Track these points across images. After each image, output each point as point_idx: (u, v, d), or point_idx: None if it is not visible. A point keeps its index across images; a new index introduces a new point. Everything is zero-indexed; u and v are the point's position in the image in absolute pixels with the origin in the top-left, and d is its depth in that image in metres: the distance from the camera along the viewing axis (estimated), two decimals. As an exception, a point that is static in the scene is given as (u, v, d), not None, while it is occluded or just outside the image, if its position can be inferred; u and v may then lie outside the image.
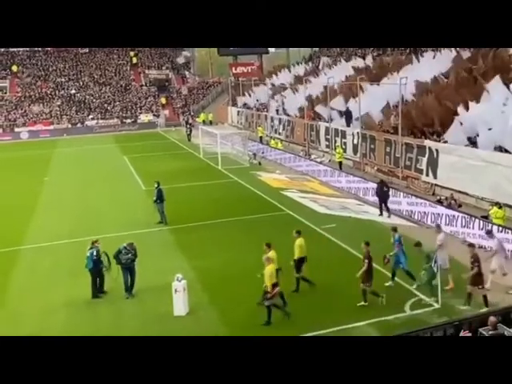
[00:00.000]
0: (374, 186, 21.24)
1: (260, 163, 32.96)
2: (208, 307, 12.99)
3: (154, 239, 18.38)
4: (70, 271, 15.41)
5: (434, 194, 21.48)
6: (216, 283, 14.01)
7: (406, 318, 12.01)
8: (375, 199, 20.98)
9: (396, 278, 13.68)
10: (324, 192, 24.77)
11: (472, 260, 12.17)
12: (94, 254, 13.82)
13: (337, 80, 33.34)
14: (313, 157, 32.34)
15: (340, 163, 28.17)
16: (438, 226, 14.75)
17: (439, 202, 19.28)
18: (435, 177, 21.63)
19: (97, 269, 13.86)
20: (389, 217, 19.62)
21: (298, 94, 38.76)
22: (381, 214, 19.94)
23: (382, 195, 20.13)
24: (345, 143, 29.33)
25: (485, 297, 12.20)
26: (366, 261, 12.54)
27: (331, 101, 31.45)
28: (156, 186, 20.54)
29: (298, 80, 41.72)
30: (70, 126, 58.57)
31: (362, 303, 12.57)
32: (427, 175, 22.14)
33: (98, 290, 13.93)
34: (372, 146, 26.70)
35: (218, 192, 25.57)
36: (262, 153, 35.61)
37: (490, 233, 14.45)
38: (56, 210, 23.36)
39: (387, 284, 13.60)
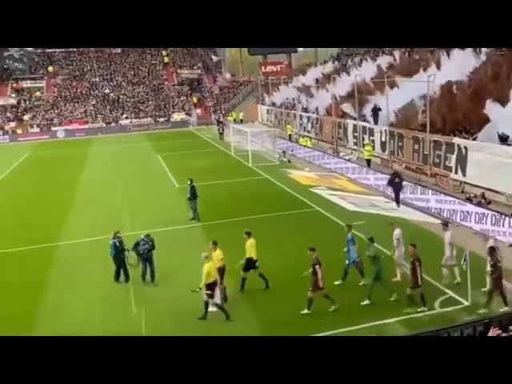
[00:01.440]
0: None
1: (289, 161, 33.28)
2: (240, 303, 13.32)
3: (187, 236, 18.94)
4: (106, 267, 15.84)
5: (463, 191, 21.43)
6: (247, 279, 14.32)
7: (436, 315, 12.08)
8: (403, 196, 21.36)
9: (425, 276, 13.18)
10: (352, 189, 24.98)
11: (412, 260, 12.36)
12: (117, 244, 14.84)
13: (365, 77, 33.39)
14: (341, 154, 32.50)
15: (368, 161, 28.31)
16: (391, 224, 14.93)
17: (468, 199, 19.31)
18: (464, 174, 21.57)
19: (119, 257, 14.87)
20: (398, 206, 20.79)
21: (325, 92, 38.85)
22: (397, 205, 21.03)
23: (395, 186, 21.12)
24: (373, 141, 29.41)
25: (422, 296, 12.32)
26: (317, 266, 12.24)
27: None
28: (189, 183, 21.02)
29: (326, 78, 41.77)
30: (104, 125, 59.91)
31: (306, 311, 12.34)
32: (456, 173, 22.08)
33: (119, 277, 15.02)
34: (400, 144, 26.70)
35: (248, 189, 26.06)
36: (292, 150, 35.93)
37: (445, 225, 14.36)
38: (91, 207, 24.19)
39: (337, 283, 13.68)
